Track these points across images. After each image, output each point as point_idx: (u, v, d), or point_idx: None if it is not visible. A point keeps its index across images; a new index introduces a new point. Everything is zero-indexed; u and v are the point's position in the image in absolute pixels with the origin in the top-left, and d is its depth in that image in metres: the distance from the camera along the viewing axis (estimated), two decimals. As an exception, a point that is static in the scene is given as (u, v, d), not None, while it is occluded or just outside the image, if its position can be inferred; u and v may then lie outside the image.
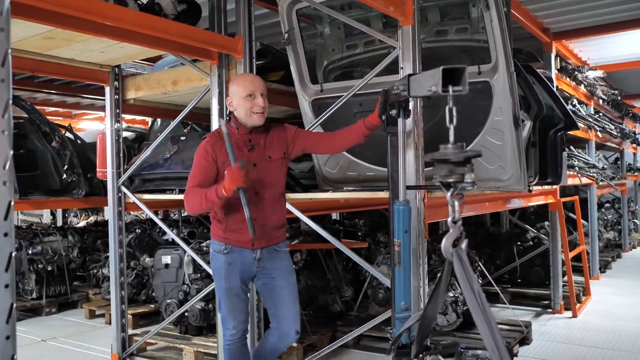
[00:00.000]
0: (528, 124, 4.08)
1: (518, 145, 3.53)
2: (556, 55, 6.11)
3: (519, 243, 6.63)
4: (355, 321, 4.87)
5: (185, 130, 5.89)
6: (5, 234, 1.51)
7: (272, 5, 4.55)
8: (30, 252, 6.25)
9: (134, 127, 8.29)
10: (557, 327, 5.28)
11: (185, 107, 4.14)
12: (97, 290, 6.41)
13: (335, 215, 7.88)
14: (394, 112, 2.76)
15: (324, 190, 4.02)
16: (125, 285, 4.56)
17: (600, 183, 7.67)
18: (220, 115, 3.83)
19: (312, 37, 4.25)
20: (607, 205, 10.54)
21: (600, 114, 8.32)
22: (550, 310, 5.81)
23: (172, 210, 8.42)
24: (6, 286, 1.51)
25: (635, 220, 11.41)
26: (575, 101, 7.03)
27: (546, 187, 5.32)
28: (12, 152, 1.54)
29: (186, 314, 4.55)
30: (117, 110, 4.49)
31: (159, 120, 6.23)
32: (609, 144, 8.88)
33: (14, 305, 1.53)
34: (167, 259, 4.93)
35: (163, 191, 4.36)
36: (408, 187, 2.91)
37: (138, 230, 6.58)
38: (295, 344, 4.26)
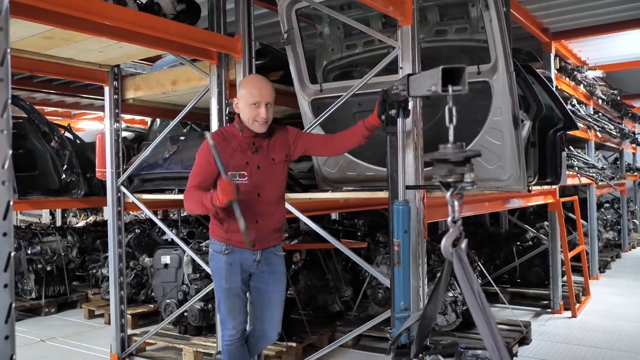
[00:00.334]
0: (527, 124, 4.08)
1: (517, 145, 3.53)
2: (555, 55, 6.11)
3: (518, 243, 6.63)
4: (354, 321, 4.87)
5: (184, 130, 5.88)
6: (4, 234, 1.51)
7: (271, 5, 4.55)
8: (29, 252, 6.25)
9: (133, 127, 8.30)
10: (557, 327, 5.28)
11: (184, 107, 4.14)
12: (97, 290, 6.41)
13: (334, 215, 7.89)
14: (393, 112, 2.77)
15: (324, 190, 4.02)
16: (124, 285, 4.56)
17: (600, 183, 7.67)
18: (220, 115, 3.82)
19: (312, 37, 4.25)
20: (607, 205, 10.54)
21: (600, 114, 8.32)
22: (549, 310, 5.80)
23: (172, 210, 8.42)
24: (5, 286, 1.50)
25: (635, 220, 11.42)
26: (575, 101, 7.03)
27: (545, 187, 5.32)
28: (11, 152, 1.54)
29: (185, 314, 4.55)
30: (116, 110, 4.48)
31: (158, 120, 6.22)
32: (608, 144, 8.88)
33: (13, 305, 1.53)
34: (166, 259, 4.93)
35: (162, 191, 4.36)
36: (407, 187, 2.91)
37: (137, 230, 6.58)
38: (294, 344, 4.28)
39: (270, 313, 3.04)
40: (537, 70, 4.65)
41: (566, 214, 6.89)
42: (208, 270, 3.61)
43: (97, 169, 4.64)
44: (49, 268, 6.29)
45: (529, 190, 4.44)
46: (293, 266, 4.90)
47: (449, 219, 1.61)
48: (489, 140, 3.54)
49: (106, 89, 4.47)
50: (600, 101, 8.22)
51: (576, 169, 6.76)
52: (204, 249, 4.81)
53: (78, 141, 6.31)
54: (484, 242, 6.72)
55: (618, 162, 10.47)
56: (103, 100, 4.55)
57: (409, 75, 2.56)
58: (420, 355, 2.24)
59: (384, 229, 5.83)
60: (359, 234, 6.54)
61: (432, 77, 2.14)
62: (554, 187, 5.56)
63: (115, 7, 2.97)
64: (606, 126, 8.22)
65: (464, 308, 4.49)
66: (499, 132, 3.52)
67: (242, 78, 3.67)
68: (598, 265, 7.78)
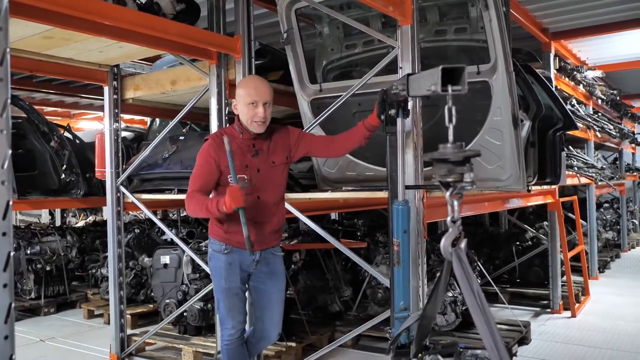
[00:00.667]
0: (527, 124, 4.08)
1: (517, 145, 3.53)
2: (555, 55, 6.11)
3: (517, 243, 6.63)
4: (354, 321, 4.87)
5: (184, 130, 5.88)
6: (4, 234, 1.51)
7: (271, 5, 4.55)
8: (28, 252, 6.24)
9: (132, 127, 8.29)
10: (556, 327, 5.28)
11: (184, 107, 4.14)
12: (96, 290, 6.40)
13: (334, 215, 7.89)
14: (393, 111, 2.76)
15: (323, 190, 4.02)
16: (124, 285, 4.55)
17: (599, 183, 7.67)
18: (219, 115, 3.82)
19: (311, 37, 4.25)
20: (606, 205, 10.54)
21: (599, 114, 8.32)
22: (549, 310, 5.81)
23: (171, 210, 8.41)
24: (4, 286, 1.50)
25: (634, 220, 11.42)
26: (574, 101, 7.03)
27: (545, 187, 5.32)
28: (10, 152, 1.54)
29: (185, 314, 4.55)
30: (116, 110, 4.48)
31: (157, 120, 6.22)
32: (607, 143, 8.88)
33: (13, 305, 1.52)
34: (165, 259, 4.93)
35: (162, 191, 4.36)
36: (407, 187, 2.91)
37: (137, 230, 6.58)
38: (294, 344, 4.27)
39: (270, 313, 3.04)
40: (537, 70, 4.65)
41: (566, 214, 6.89)
42: (207, 270, 3.61)
43: (96, 169, 4.64)
44: (48, 268, 6.29)
45: (529, 190, 4.44)
46: (292, 266, 4.90)
47: (449, 218, 1.61)
48: (489, 140, 3.54)
49: (106, 89, 4.47)
50: (599, 101, 8.22)
51: (576, 169, 6.76)
52: (203, 248, 4.81)
53: (77, 141, 6.31)
54: (483, 242, 6.72)
55: (617, 162, 10.48)
56: (102, 100, 4.55)
57: (408, 75, 2.55)
58: (420, 355, 2.24)
59: (384, 229, 5.83)
60: (358, 234, 6.54)
61: (432, 77, 2.13)
62: (553, 187, 5.57)
63: (114, 7, 2.97)
64: (605, 126, 8.22)
65: (464, 308, 4.49)
66: (498, 132, 3.52)
67: (242, 78, 3.68)
68: (597, 265, 7.78)
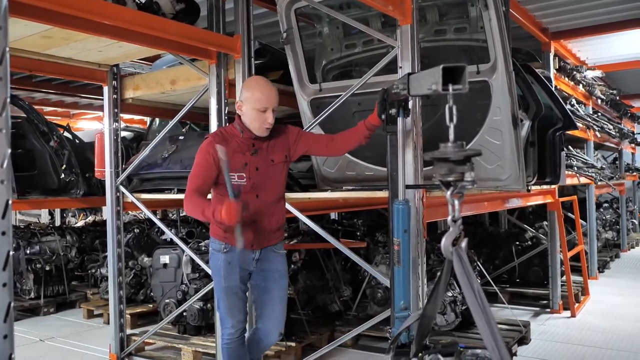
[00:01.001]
0: (527, 124, 4.08)
1: (517, 145, 3.53)
2: (555, 55, 6.11)
3: (517, 243, 6.63)
4: (353, 321, 4.87)
5: (183, 130, 5.88)
6: (3, 233, 1.51)
7: (270, 5, 4.54)
8: (28, 251, 6.24)
9: (132, 127, 8.29)
10: (556, 326, 5.28)
11: (183, 107, 4.13)
12: (96, 290, 6.40)
13: (334, 215, 7.88)
14: (393, 111, 2.77)
15: (323, 190, 4.02)
16: (123, 285, 4.55)
17: (599, 183, 7.66)
18: (219, 114, 3.82)
19: (311, 37, 4.25)
20: (606, 205, 10.54)
21: (599, 114, 8.32)
22: (548, 310, 5.81)
23: (171, 210, 8.40)
24: (4, 285, 1.50)
25: (634, 220, 11.43)
26: (574, 101, 7.03)
27: (545, 186, 5.32)
28: (10, 152, 1.53)
29: (185, 313, 4.54)
30: (116, 110, 4.48)
31: (157, 119, 6.22)
32: (607, 143, 8.89)
33: (12, 304, 1.52)
34: (165, 259, 4.93)
35: (161, 191, 4.35)
36: (407, 187, 2.91)
37: (136, 230, 6.58)
38: (293, 344, 4.27)
39: (271, 311, 3.02)
40: (537, 70, 4.65)
41: (565, 213, 6.89)
42: (207, 269, 3.61)
43: (96, 169, 4.64)
44: (47, 268, 6.28)
45: (528, 190, 4.45)
46: (292, 266, 4.90)
47: (449, 218, 1.60)
48: (489, 139, 3.54)
49: (105, 89, 4.47)
50: (599, 101, 8.22)
51: (575, 168, 6.76)
52: (203, 248, 4.80)
53: (77, 141, 6.31)
54: (483, 242, 6.72)
55: (617, 162, 10.48)
56: (102, 99, 4.55)
57: (409, 74, 2.55)
58: (420, 354, 2.23)
59: (384, 229, 5.83)
60: (358, 233, 6.54)
61: (433, 76, 2.13)
62: (553, 186, 5.56)
63: (114, 7, 2.96)
64: (605, 126, 8.23)
65: (464, 307, 4.49)
66: (498, 131, 3.52)
67: (242, 78, 3.68)
68: (597, 265, 7.78)
